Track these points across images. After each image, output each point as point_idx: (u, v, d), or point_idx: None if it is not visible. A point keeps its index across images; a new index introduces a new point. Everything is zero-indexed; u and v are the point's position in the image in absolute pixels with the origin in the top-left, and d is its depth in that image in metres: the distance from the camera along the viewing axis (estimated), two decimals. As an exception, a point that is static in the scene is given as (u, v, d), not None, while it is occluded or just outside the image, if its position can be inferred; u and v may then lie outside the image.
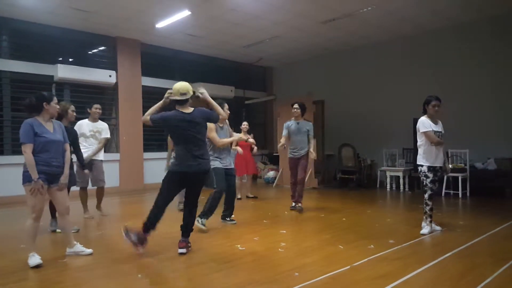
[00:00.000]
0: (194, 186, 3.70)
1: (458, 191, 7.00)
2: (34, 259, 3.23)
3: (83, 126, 5.40)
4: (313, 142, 5.81)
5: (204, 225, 4.45)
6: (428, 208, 4.36)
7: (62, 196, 3.47)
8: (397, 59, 8.89)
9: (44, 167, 3.25)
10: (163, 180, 3.74)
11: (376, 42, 9.10)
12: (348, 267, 3.16)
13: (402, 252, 3.61)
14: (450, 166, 7.19)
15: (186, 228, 3.70)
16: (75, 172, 4.76)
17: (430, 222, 4.38)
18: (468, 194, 7.08)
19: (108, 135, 5.62)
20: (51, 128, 3.38)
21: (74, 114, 4.66)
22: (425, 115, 4.43)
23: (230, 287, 2.77)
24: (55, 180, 3.36)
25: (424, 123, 4.36)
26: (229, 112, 4.57)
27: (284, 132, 5.84)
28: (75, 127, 5.29)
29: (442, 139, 4.37)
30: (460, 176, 6.99)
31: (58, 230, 4.41)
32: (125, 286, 2.86)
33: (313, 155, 5.70)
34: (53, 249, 3.91)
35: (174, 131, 3.62)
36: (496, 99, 7.46)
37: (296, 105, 5.83)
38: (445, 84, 8.06)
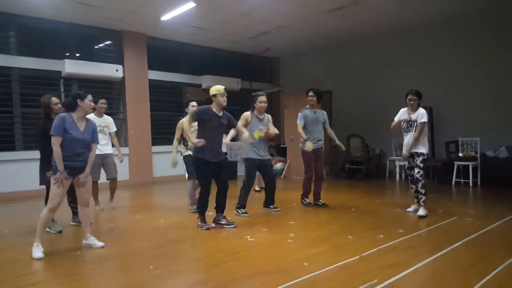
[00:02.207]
0: None
1: (469, 179, 6.93)
2: (37, 250, 3.34)
3: None
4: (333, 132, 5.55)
5: (245, 213, 4.93)
6: (412, 191, 4.92)
7: (84, 189, 3.62)
8: (406, 49, 8.76)
9: (67, 162, 3.39)
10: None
11: (384, 31, 8.96)
12: (357, 257, 3.16)
13: (411, 242, 3.60)
14: (461, 154, 7.14)
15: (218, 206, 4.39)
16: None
17: (417, 202, 4.81)
18: (479, 182, 7.01)
19: (115, 129, 5.78)
20: (82, 127, 3.52)
21: (59, 106, 4.31)
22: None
23: (240, 277, 2.80)
24: (79, 172, 3.52)
25: (398, 113, 4.88)
26: (263, 104, 5.06)
27: (301, 122, 5.29)
28: None
29: (414, 127, 4.69)
30: (470, 164, 6.92)
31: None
32: (137, 277, 2.90)
33: (342, 146, 5.41)
34: (67, 241, 3.98)
35: None
36: (507, 86, 7.32)
37: (311, 93, 5.37)
38: (456, 72, 7.96)
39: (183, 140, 5.53)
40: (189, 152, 5.36)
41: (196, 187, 5.26)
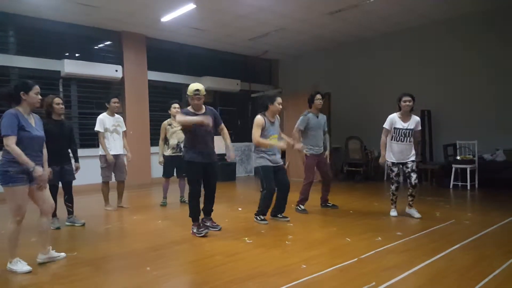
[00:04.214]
0: None
1: (467, 183, 6.94)
2: (21, 265, 3.01)
3: (106, 121, 5.39)
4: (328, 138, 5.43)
5: (263, 220, 4.60)
6: (394, 197, 4.89)
7: (43, 194, 3.17)
8: (405, 51, 8.79)
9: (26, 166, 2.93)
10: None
11: (383, 34, 8.99)
12: (356, 259, 3.17)
13: (409, 244, 3.61)
14: (459, 157, 7.15)
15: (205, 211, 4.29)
16: (72, 168, 4.62)
17: (395, 207, 4.90)
18: (476, 186, 7.02)
19: (125, 128, 5.72)
20: (33, 123, 3.10)
21: (61, 106, 4.37)
22: (398, 112, 4.69)
23: (238, 279, 2.79)
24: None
25: (387, 119, 4.70)
26: (280, 107, 4.50)
27: (302, 126, 5.11)
28: (97, 122, 5.35)
29: (410, 136, 4.64)
30: (468, 167, 6.93)
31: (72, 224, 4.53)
32: (134, 279, 2.89)
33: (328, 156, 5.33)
34: (62, 243, 3.96)
35: None
36: (505, 89, 7.35)
37: (319, 96, 5.17)
38: (453, 75, 7.98)
39: (166, 140, 5.80)
40: (170, 152, 5.73)
41: (169, 185, 5.98)
